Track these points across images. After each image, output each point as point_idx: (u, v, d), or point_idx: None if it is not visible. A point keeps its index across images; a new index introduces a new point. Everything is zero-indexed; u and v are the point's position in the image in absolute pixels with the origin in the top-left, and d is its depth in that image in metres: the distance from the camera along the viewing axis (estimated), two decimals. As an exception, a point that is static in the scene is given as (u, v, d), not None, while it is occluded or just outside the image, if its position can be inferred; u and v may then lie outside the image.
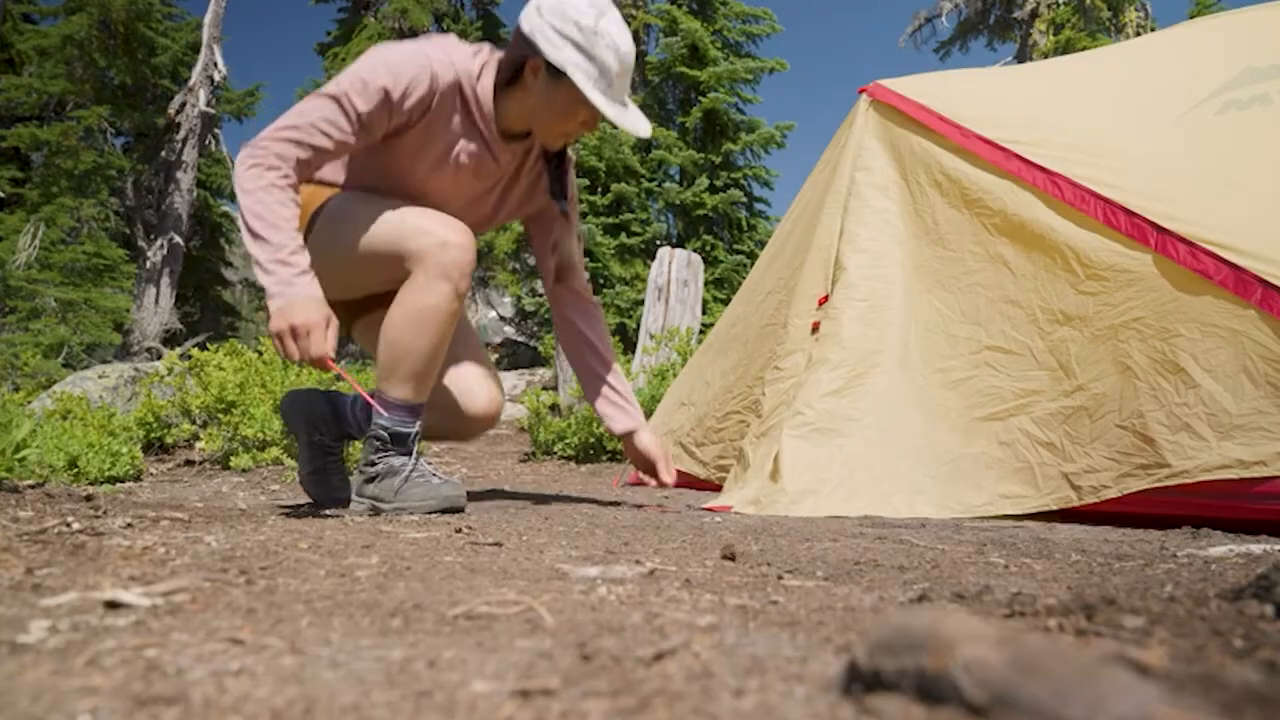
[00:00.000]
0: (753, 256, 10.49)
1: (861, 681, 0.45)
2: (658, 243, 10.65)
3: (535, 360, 10.93)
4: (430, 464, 1.81)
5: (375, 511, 1.72)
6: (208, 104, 11.71)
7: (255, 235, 1.59)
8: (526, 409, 5.11)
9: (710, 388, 3.04)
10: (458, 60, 1.75)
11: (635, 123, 1.76)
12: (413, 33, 13.12)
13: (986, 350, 2.18)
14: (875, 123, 2.67)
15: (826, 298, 2.48)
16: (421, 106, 1.72)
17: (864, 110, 2.73)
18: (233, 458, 4.07)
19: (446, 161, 1.81)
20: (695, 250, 9.30)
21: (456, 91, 1.76)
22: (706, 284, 9.01)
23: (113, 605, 0.66)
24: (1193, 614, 0.67)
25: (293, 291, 1.56)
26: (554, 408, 5.18)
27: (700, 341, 5.04)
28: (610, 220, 11.03)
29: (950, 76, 2.96)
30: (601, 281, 10.77)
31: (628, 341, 9.27)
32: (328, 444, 2.09)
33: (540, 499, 2.32)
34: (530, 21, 1.73)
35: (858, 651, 0.45)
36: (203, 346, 6.27)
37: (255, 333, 14.99)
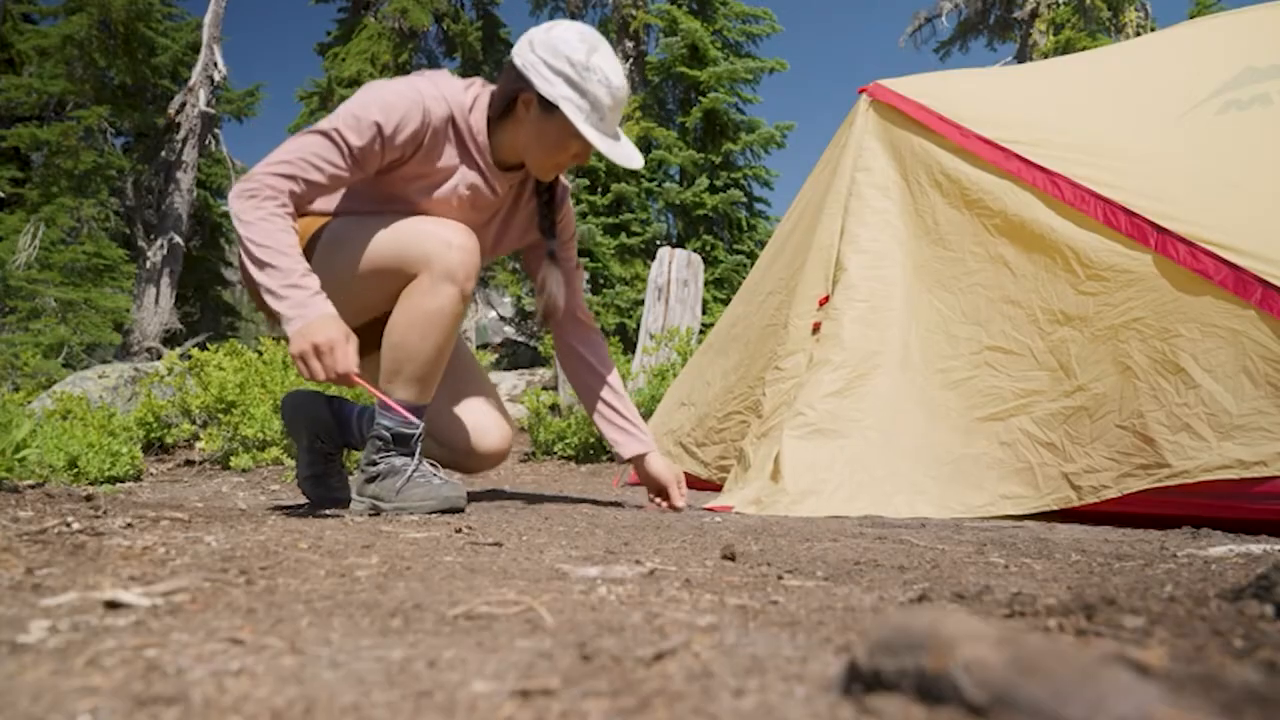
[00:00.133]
0: (753, 256, 10.48)
1: (861, 681, 0.45)
2: (658, 243, 10.65)
3: (535, 360, 10.92)
4: (431, 465, 1.81)
5: (375, 511, 1.72)
6: (208, 104, 11.71)
7: (262, 264, 1.59)
8: (526, 409, 5.11)
9: (711, 388, 3.05)
10: (449, 94, 1.78)
11: (627, 155, 1.80)
12: (412, 33, 13.13)
13: (987, 350, 2.18)
14: (875, 123, 2.67)
15: (827, 298, 2.48)
16: (414, 141, 1.74)
17: (864, 110, 2.73)
18: (233, 458, 4.08)
19: (445, 192, 1.83)
20: (695, 250, 9.29)
21: (449, 125, 1.78)
22: (706, 284, 9.01)
23: (113, 605, 0.66)
24: (1193, 614, 0.67)
25: (308, 312, 1.57)
26: (554, 408, 5.18)
27: (700, 341, 5.04)
28: (610, 220, 11.02)
29: (950, 76, 2.96)
30: (601, 281, 10.77)
31: (628, 341, 9.27)
32: (329, 451, 2.09)
33: (540, 499, 2.32)
34: (523, 56, 1.76)
35: (858, 651, 0.45)
36: (203, 346, 6.28)
37: (255, 333, 14.99)
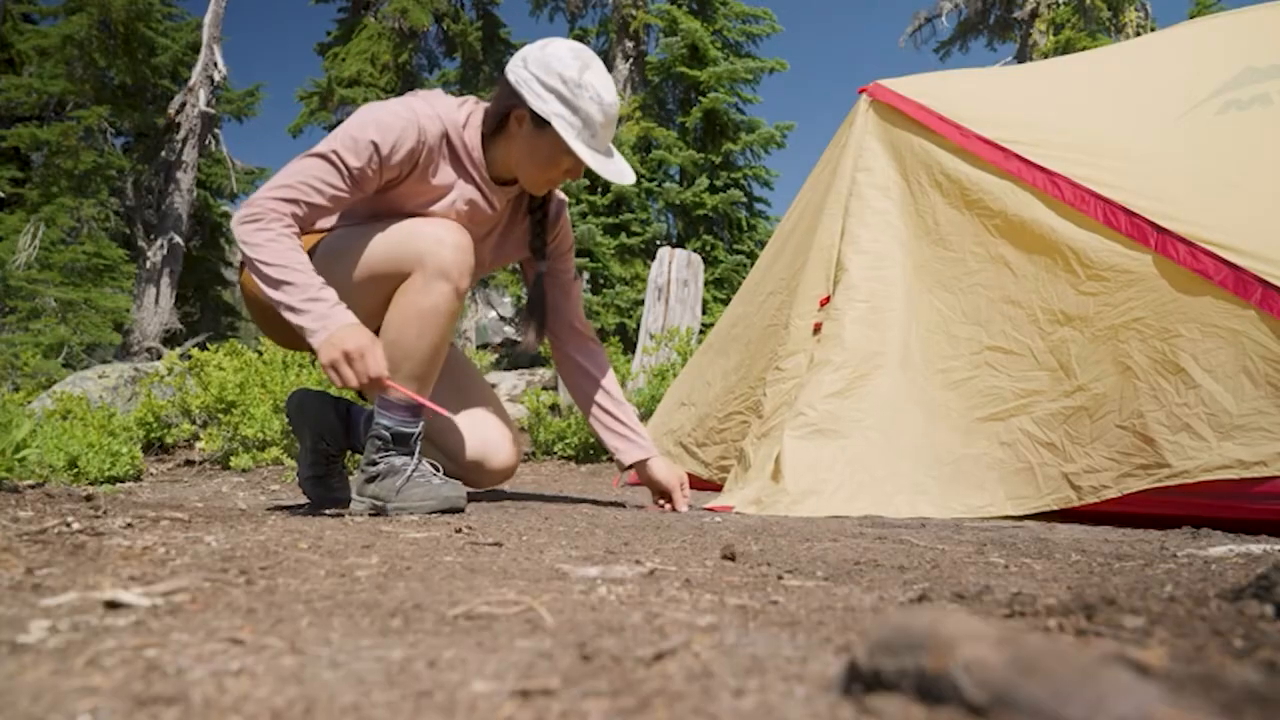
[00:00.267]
0: (753, 256, 10.48)
1: (861, 681, 0.45)
2: (658, 243, 10.65)
3: (535, 360, 10.92)
4: (432, 464, 1.81)
5: (376, 511, 1.72)
6: (208, 104, 11.71)
7: (278, 283, 1.62)
8: (526, 409, 5.11)
9: (711, 388, 3.04)
10: (443, 112, 1.80)
11: (618, 171, 1.82)
12: (412, 33, 13.13)
13: (987, 351, 2.18)
14: (875, 123, 2.67)
15: (828, 298, 2.48)
16: (410, 160, 1.76)
17: (864, 110, 2.73)
18: (233, 458, 4.08)
19: (443, 208, 1.84)
20: (695, 250, 9.29)
21: (444, 142, 1.81)
22: (706, 284, 9.01)
23: (113, 605, 0.66)
24: (1193, 614, 0.67)
25: (332, 323, 1.60)
26: (554, 408, 5.18)
27: (700, 341, 5.04)
28: (610, 220, 11.02)
29: (950, 76, 2.96)
30: (601, 281, 10.77)
31: (628, 341, 9.27)
32: (332, 452, 2.09)
33: (540, 499, 2.32)
34: (516, 73, 1.79)
35: (858, 651, 0.45)
36: (203, 346, 6.28)
37: (255, 332, 14.98)
